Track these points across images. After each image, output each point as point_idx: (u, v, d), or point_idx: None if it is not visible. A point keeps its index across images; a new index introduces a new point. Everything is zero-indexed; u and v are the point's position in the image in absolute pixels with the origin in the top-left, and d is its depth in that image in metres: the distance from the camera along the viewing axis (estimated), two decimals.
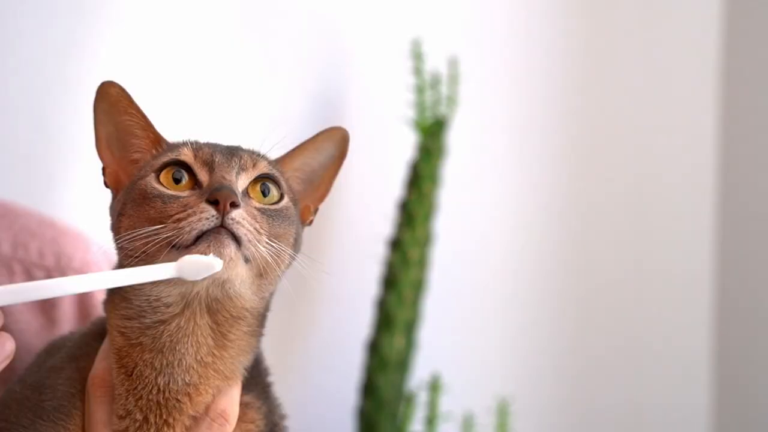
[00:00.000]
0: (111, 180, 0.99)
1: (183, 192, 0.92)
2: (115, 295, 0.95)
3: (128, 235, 0.90)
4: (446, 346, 2.07)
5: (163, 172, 0.94)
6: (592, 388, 2.31)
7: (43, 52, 1.61)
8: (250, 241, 0.90)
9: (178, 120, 1.73)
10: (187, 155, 0.94)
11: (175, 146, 0.98)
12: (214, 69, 1.81)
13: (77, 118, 1.63)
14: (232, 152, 0.96)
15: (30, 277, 1.23)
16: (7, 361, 0.84)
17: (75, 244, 1.23)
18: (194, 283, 0.90)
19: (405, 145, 1.91)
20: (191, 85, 1.77)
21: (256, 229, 0.91)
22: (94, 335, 1.00)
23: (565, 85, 2.26)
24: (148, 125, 0.99)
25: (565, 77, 2.26)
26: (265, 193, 0.96)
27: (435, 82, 1.89)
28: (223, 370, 0.95)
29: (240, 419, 0.97)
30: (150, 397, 0.93)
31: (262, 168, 0.97)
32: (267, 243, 0.91)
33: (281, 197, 0.97)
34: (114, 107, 0.98)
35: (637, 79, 2.33)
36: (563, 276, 2.30)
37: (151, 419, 0.93)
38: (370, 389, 1.83)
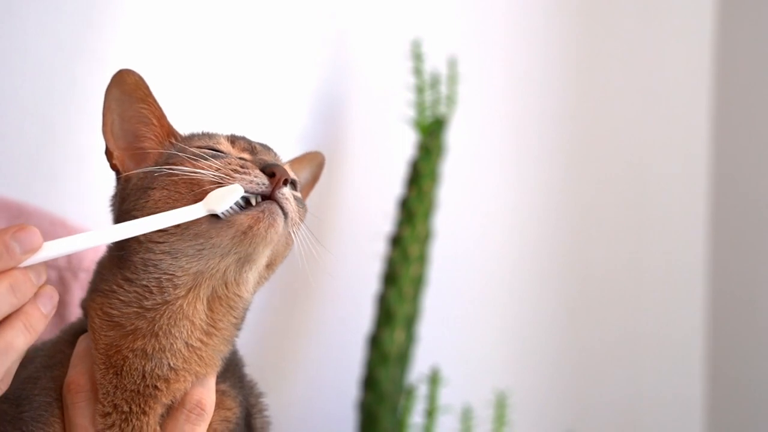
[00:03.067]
0: (119, 163, 0.99)
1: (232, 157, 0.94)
2: (110, 281, 0.95)
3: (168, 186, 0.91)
4: (445, 340, 2.08)
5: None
6: (588, 381, 2.32)
7: (50, 52, 1.61)
8: (292, 219, 0.92)
9: (182, 118, 1.76)
10: (225, 145, 0.96)
11: (209, 136, 0.99)
12: (218, 69, 1.81)
13: (84, 118, 1.64)
14: (265, 145, 0.99)
15: None
16: (54, 310, 0.86)
17: None
18: (213, 257, 0.91)
19: (405, 144, 1.92)
20: (194, 85, 1.77)
21: (296, 210, 0.93)
22: (65, 343, 0.99)
23: (560, 85, 2.26)
24: (162, 116, 1.00)
25: (561, 77, 2.27)
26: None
27: (434, 82, 1.89)
28: (205, 357, 0.95)
29: (217, 406, 0.97)
30: (134, 387, 0.93)
31: (287, 168, 0.97)
32: (299, 226, 0.94)
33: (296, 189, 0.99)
34: (130, 95, 0.98)
35: (632, 78, 2.33)
36: (560, 271, 2.30)
37: (134, 409, 0.94)
38: (371, 382, 1.84)
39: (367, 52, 2.00)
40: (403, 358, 1.86)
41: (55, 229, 1.26)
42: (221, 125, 1.75)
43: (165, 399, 0.94)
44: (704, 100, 2.36)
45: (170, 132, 1.00)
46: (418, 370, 1.91)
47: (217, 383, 0.97)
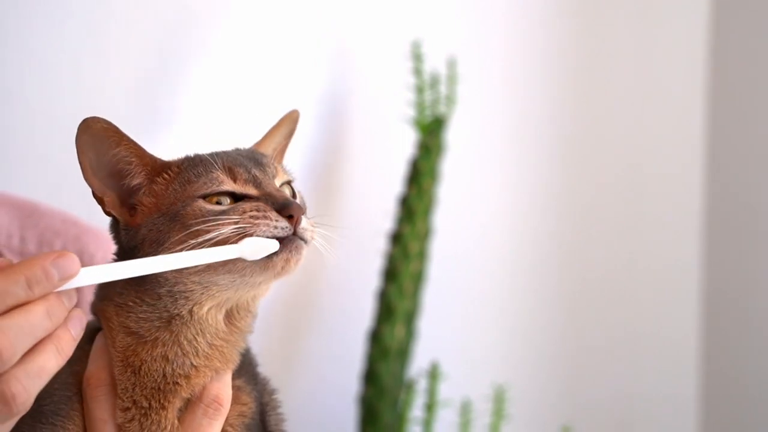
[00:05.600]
0: (111, 206, 0.97)
1: (240, 204, 0.93)
2: (126, 296, 0.95)
3: (191, 241, 0.91)
4: (445, 335, 2.09)
5: (206, 198, 0.94)
6: (584, 377, 2.33)
7: (57, 54, 1.63)
8: (313, 238, 0.94)
9: (183, 119, 1.78)
10: (227, 182, 0.94)
11: (206, 172, 0.95)
12: (220, 70, 1.82)
13: None
14: (259, 162, 0.98)
15: None
16: (82, 333, 0.86)
17: (97, 242, 1.25)
18: (245, 288, 0.93)
19: (405, 143, 1.92)
20: (195, 85, 1.79)
21: (311, 225, 0.95)
22: (83, 338, 0.96)
23: (558, 85, 2.26)
24: (143, 153, 0.96)
25: (559, 77, 2.27)
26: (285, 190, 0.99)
27: (434, 82, 1.89)
28: (227, 354, 0.97)
29: (234, 401, 0.98)
30: (153, 385, 0.94)
31: (281, 172, 0.99)
32: (313, 231, 0.95)
33: (293, 192, 1.01)
34: (102, 140, 0.94)
35: (629, 79, 2.34)
36: (558, 268, 2.31)
37: (153, 404, 0.94)
38: (371, 377, 1.85)
39: (368, 53, 2.01)
40: (403, 353, 1.87)
41: (66, 227, 1.26)
42: (224, 127, 1.77)
43: (184, 393, 0.95)
44: (699, 102, 2.36)
45: (157, 166, 0.97)
46: (417, 364, 1.92)
47: (233, 379, 0.98)
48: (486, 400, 1.91)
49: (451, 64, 1.92)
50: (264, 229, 0.91)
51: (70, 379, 0.96)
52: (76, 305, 0.85)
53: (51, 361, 0.83)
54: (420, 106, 1.89)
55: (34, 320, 0.81)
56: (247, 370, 1.02)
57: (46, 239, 1.25)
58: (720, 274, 2.36)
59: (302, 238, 0.93)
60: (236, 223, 0.91)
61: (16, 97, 1.60)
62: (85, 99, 1.66)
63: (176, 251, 0.91)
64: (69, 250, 1.22)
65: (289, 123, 1.07)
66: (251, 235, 0.91)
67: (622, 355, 2.37)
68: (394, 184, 1.92)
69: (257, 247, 0.91)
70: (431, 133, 1.88)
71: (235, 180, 0.95)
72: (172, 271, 0.91)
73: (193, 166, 0.96)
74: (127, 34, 1.70)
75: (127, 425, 0.94)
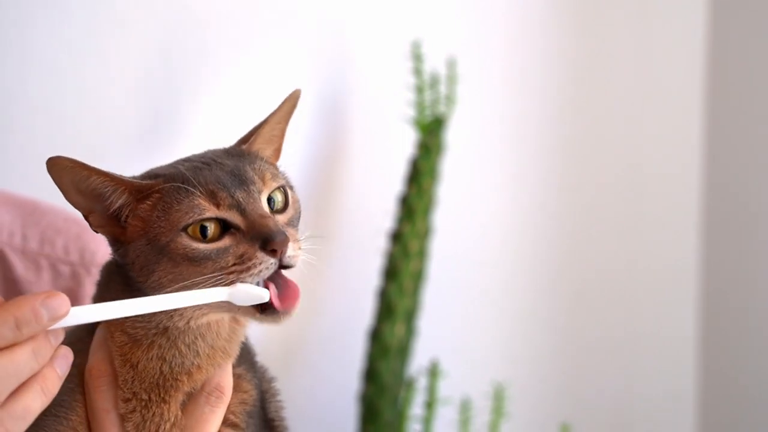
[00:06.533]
0: (97, 224, 0.96)
1: (225, 241, 0.91)
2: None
3: (175, 285, 0.90)
4: (445, 333, 2.09)
5: (190, 228, 0.91)
6: (583, 375, 2.33)
7: (59, 53, 1.63)
8: (298, 258, 0.92)
9: (184, 119, 1.79)
10: (209, 209, 0.91)
11: (187, 198, 0.92)
12: (220, 69, 1.82)
13: (93, 118, 1.67)
14: (242, 179, 0.94)
15: (55, 271, 1.25)
16: (68, 371, 0.85)
17: (98, 241, 1.24)
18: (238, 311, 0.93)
19: (405, 143, 1.92)
20: (197, 86, 1.79)
21: (297, 245, 0.92)
22: (84, 332, 0.99)
23: (557, 85, 2.26)
24: (119, 179, 0.93)
25: (559, 77, 2.27)
26: (273, 200, 0.96)
27: (434, 82, 1.89)
28: (229, 350, 0.97)
29: (235, 389, 0.98)
30: (152, 380, 0.95)
31: (269, 180, 0.96)
32: (300, 247, 0.93)
33: (286, 195, 0.97)
34: (74, 173, 0.92)
35: (628, 79, 2.34)
36: (557, 267, 2.31)
37: (153, 398, 0.95)
38: (372, 375, 1.85)
39: (367, 53, 2.01)
40: (404, 351, 1.87)
41: (68, 225, 1.26)
42: (224, 126, 1.77)
43: (186, 388, 0.96)
44: (698, 102, 2.37)
45: (136, 188, 0.94)
46: (417, 362, 1.92)
47: (233, 367, 0.99)
48: (485, 397, 1.91)
49: (451, 64, 1.92)
50: (250, 279, 0.90)
51: (73, 371, 0.95)
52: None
53: (36, 402, 0.82)
54: (420, 106, 1.89)
55: (20, 361, 0.80)
56: (246, 358, 1.02)
57: (48, 237, 1.25)
58: (718, 273, 2.36)
59: (288, 266, 0.91)
60: (222, 271, 0.90)
61: (18, 96, 1.61)
62: (86, 99, 1.67)
63: (167, 283, 0.91)
64: (71, 248, 1.26)
65: (289, 103, 1.03)
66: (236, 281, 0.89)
67: (621, 353, 2.37)
68: (394, 183, 1.92)
69: (247, 295, 0.90)
70: (431, 133, 1.89)
71: (218, 206, 0.91)
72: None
73: (175, 190, 0.92)
74: (127, 35, 1.70)
75: (129, 415, 0.95)
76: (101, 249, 1.25)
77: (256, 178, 0.94)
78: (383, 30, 2.02)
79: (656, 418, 2.39)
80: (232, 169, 0.94)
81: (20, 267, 1.24)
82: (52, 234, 1.26)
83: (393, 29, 2.02)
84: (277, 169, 1.01)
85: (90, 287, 1.25)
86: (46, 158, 0.91)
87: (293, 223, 0.97)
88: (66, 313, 0.82)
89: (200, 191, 0.91)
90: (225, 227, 0.91)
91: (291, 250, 0.91)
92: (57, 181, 0.92)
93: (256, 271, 0.90)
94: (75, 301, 1.21)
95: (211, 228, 0.91)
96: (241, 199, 0.92)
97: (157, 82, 1.75)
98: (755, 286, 2.29)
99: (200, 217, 0.91)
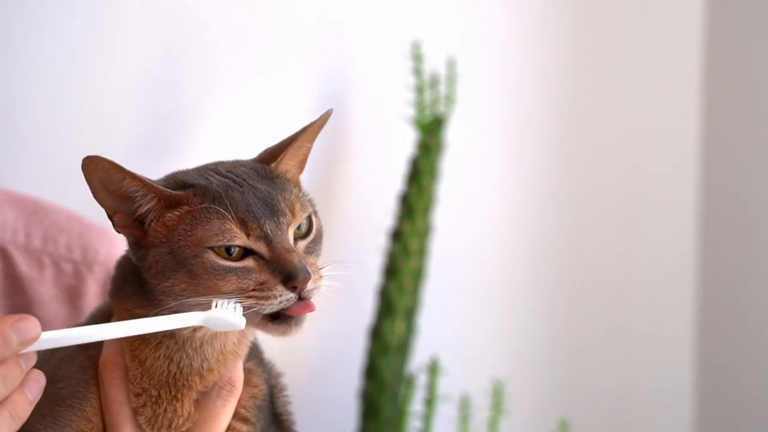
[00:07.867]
0: (120, 224, 0.95)
1: (249, 262, 0.91)
2: (134, 305, 0.95)
3: (191, 299, 0.91)
4: (444, 331, 2.09)
5: (216, 247, 0.91)
6: (582, 372, 2.34)
7: (62, 50, 1.63)
8: (318, 290, 0.93)
9: (185, 119, 1.79)
10: (240, 237, 0.91)
11: (218, 220, 0.92)
12: (221, 70, 1.83)
13: (96, 117, 1.67)
14: (273, 210, 0.93)
15: (58, 269, 1.25)
16: (40, 394, 0.84)
17: (101, 239, 1.25)
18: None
19: (405, 142, 1.92)
20: (198, 86, 1.79)
21: (318, 275, 0.94)
22: (99, 319, 1.00)
23: (557, 85, 2.27)
24: (149, 185, 0.93)
25: (558, 77, 2.27)
26: (299, 226, 0.96)
27: (434, 82, 1.89)
28: (239, 351, 0.98)
29: (245, 384, 0.99)
30: (161, 378, 0.95)
31: (298, 212, 0.96)
32: (321, 276, 0.94)
33: (311, 222, 0.98)
34: (108, 174, 0.92)
35: (625, 78, 2.34)
36: (556, 266, 2.31)
37: (163, 395, 0.95)
38: (372, 372, 1.85)
39: (367, 53, 2.01)
40: (404, 349, 1.87)
41: (70, 224, 1.27)
42: (225, 126, 1.78)
43: (200, 388, 0.97)
44: (695, 101, 2.37)
45: (165, 196, 0.94)
46: (417, 360, 1.92)
47: (244, 362, 1.00)
48: (485, 394, 1.91)
49: (451, 64, 1.92)
50: (267, 307, 0.91)
51: (87, 363, 0.97)
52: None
53: (4, 428, 0.80)
54: (420, 105, 1.89)
55: None
56: (255, 354, 1.04)
57: (51, 235, 1.26)
58: (716, 272, 2.36)
59: (307, 298, 0.92)
60: (242, 293, 0.90)
61: (21, 96, 1.61)
62: (89, 99, 1.67)
63: (179, 291, 0.91)
64: (73, 246, 1.26)
65: (319, 123, 1.02)
66: (259, 312, 0.91)
67: (619, 351, 2.37)
68: (395, 182, 1.92)
69: (221, 322, 0.90)
70: (431, 133, 1.89)
71: (248, 235, 0.91)
72: (174, 303, 0.92)
73: (206, 210, 0.92)
74: (131, 35, 1.71)
75: (141, 409, 0.96)
76: (104, 247, 1.26)
77: (286, 210, 0.95)
78: (383, 30, 2.03)
79: (654, 415, 2.39)
80: (264, 197, 0.94)
81: (23, 265, 1.25)
82: (55, 232, 1.26)
83: (393, 29, 2.02)
84: (305, 195, 1.00)
85: (92, 285, 1.26)
86: (83, 156, 0.91)
87: (314, 248, 0.97)
88: (37, 337, 0.81)
89: (232, 216, 0.92)
90: (250, 250, 0.92)
91: (310, 285, 0.92)
92: (88, 178, 0.92)
93: (276, 302, 0.91)
94: (78, 299, 1.26)
95: (237, 249, 0.92)
96: (269, 231, 0.92)
97: (158, 81, 1.75)
98: (753, 285, 2.29)
99: (229, 243, 0.91)
